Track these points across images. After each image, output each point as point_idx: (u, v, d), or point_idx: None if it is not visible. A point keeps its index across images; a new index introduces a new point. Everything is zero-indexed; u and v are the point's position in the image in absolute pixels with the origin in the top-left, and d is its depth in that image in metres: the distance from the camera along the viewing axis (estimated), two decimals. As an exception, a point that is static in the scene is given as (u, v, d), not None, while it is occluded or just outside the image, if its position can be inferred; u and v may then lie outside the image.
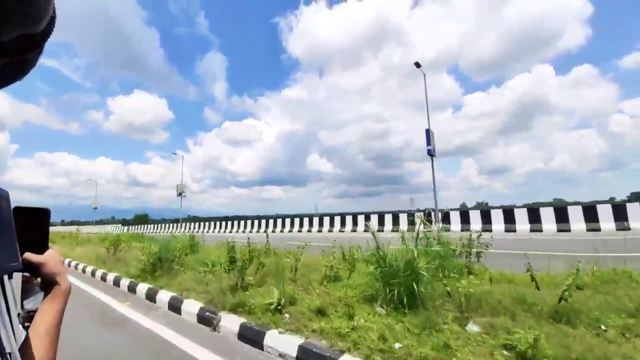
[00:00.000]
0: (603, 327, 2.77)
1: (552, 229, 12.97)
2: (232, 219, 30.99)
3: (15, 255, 0.45)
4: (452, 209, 16.58)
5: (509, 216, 14.19)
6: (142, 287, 5.50)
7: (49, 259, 0.56)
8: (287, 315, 3.47)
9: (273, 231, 23.70)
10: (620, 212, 12.01)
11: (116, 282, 6.45)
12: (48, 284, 0.56)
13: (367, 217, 19.06)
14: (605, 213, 12.29)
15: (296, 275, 4.98)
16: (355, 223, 19.48)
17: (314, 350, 2.72)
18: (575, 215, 12.84)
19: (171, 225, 35.98)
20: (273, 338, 3.06)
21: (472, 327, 2.91)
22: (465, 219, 15.35)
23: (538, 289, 3.59)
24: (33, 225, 0.55)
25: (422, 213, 16.50)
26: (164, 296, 4.81)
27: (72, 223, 69.62)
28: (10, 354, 0.40)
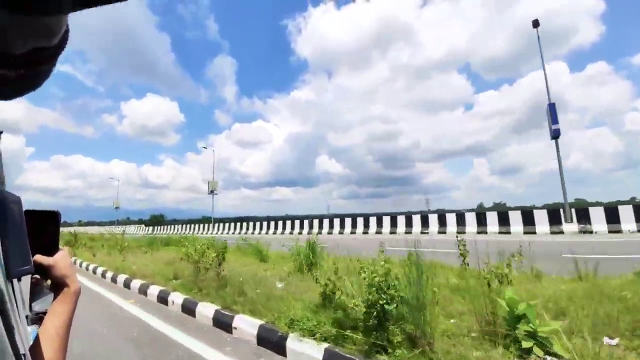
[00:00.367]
0: None
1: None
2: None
3: (27, 258, 0.47)
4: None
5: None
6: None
7: (59, 260, 0.57)
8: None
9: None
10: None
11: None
12: (58, 285, 0.57)
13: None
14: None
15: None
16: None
17: None
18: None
19: (200, 226, 33.97)
20: None
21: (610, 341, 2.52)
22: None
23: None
24: (44, 228, 0.56)
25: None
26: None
27: (89, 224, 70.46)
28: (24, 355, 0.41)
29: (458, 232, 15.07)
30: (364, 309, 2.71)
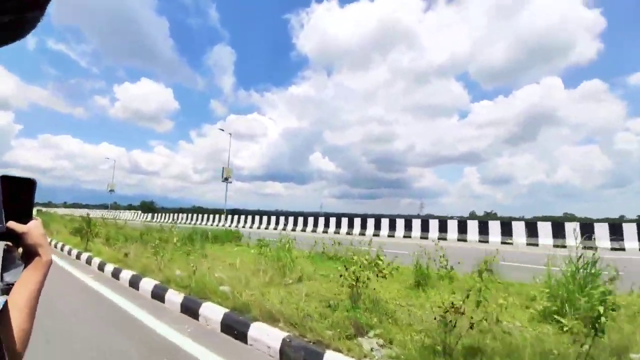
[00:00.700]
0: None
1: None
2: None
3: (0, 219, 0.48)
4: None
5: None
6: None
7: (33, 229, 0.56)
8: None
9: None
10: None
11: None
12: (29, 255, 0.56)
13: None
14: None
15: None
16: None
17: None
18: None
19: (209, 216, 29.58)
20: None
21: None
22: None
23: None
24: (18, 195, 0.55)
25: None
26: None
27: (75, 205, 67.50)
28: None
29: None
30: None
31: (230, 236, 11.29)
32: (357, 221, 19.36)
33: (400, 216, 18.51)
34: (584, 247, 4.04)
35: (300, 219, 22.76)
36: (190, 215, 32.23)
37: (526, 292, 4.40)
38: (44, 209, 32.32)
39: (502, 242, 13.39)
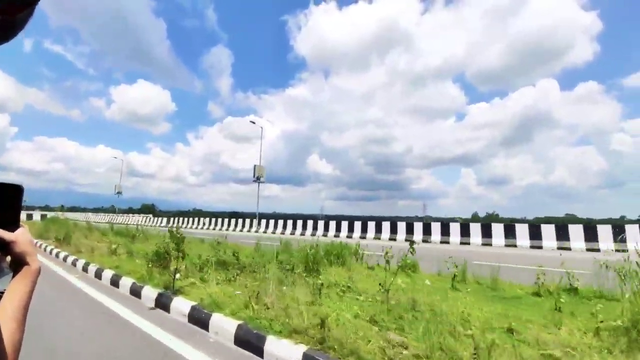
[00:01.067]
0: None
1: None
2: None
3: None
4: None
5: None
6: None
7: (20, 237, 0.55)
8: None
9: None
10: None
11: None
12: (18, 263, 0.55)
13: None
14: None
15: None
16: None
17: None
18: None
19: (236, 221, 26.48)
20: None
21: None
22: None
23: None
24: (5, 202, 0.53)
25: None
26: None
27: (73, 209, 65.61)
28: None
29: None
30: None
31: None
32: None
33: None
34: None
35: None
36: (218, 220, 28.46)
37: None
38: (64, 214, 22.03)
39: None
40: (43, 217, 28.71)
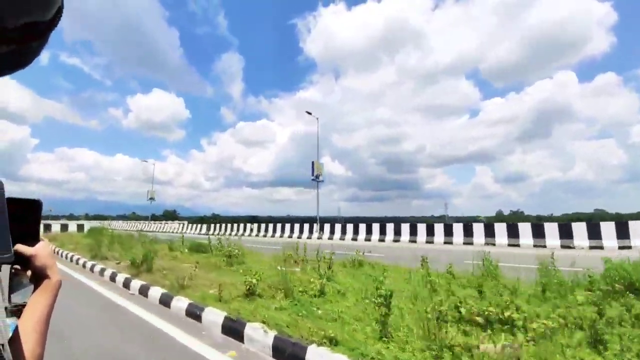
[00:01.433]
0: None
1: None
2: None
3: (8, 246, 0.45)
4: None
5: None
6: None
7: (40, 251, 0.55)
8: None
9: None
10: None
11: None
12: (38, 277, 0.55)
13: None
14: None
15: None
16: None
17: None
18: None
19: (294, 226, 23.56)
20: None
21: None
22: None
23: None
24: (24, 217, 0.53)
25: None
26: None
27: (97, 217, 65.10)
28: (2, 346, 0.40)
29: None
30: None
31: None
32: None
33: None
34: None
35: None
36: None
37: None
38: (110, 224, 18.31)
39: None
40: (80, 227, 24.78)
